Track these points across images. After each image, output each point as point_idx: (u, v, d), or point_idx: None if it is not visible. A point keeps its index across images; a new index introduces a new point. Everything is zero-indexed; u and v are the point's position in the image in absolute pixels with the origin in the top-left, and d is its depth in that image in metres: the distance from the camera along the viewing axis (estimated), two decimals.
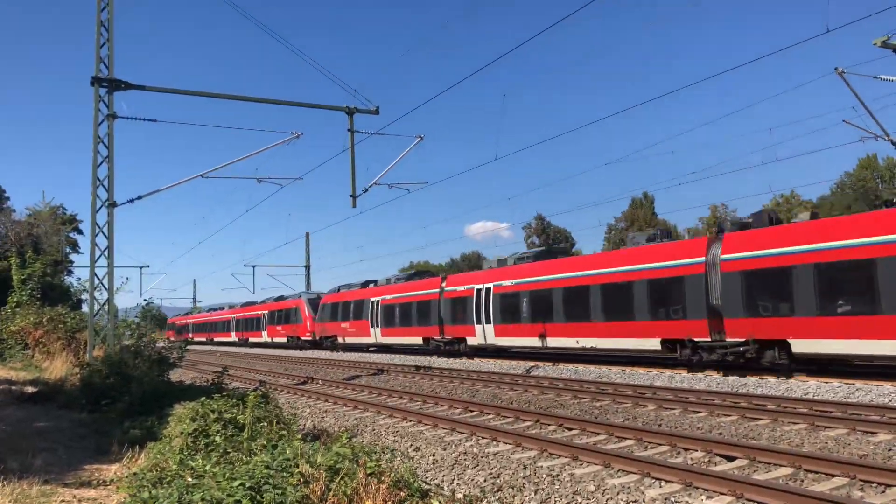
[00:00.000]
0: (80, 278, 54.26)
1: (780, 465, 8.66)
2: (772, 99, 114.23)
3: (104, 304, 21.11)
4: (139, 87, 20.75)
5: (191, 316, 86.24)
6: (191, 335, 75.88)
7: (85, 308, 22.29)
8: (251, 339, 60.51)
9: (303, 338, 49.23)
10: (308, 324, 48.31)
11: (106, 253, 20.61)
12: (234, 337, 65.62)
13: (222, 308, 74.14)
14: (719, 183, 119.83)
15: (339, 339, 43.56)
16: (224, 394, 10.39)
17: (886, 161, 60.72)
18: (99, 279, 21.00)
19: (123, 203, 21.54)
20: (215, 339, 71.53)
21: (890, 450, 9.57)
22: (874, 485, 7.68)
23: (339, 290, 46.93)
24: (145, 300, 49.49)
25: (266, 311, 57.18)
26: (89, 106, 20.26)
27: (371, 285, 42.48)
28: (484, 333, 30.00)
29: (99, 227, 20.43)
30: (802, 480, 8.15)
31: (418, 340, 35.46)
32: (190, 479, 7.24)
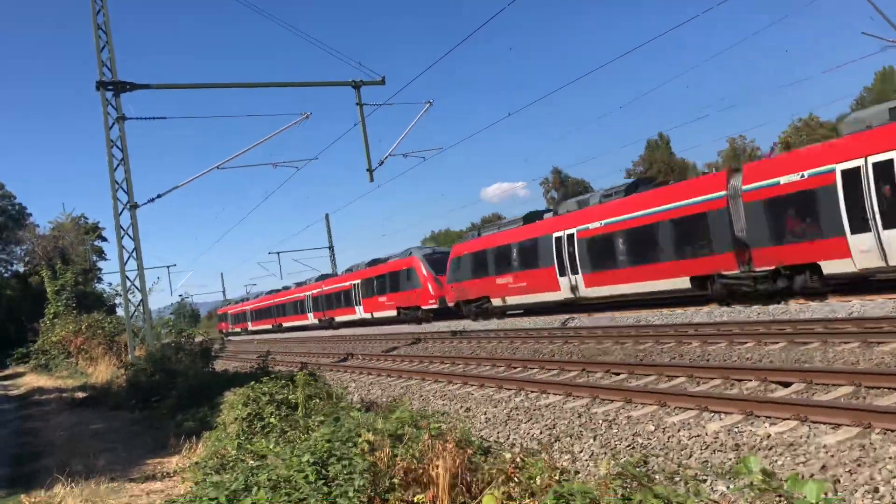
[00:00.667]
0: (110, 283, 55.20)
1: (839, 385, 8.50)
2: (783, 21, 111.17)
3: (138, 304, 21.34)
4: (144, 87, 20.70)
5: (248, 302, 73.30)
6: (250, 324, 68.75)
7: (120, 312, 22.61)
8: (339, 318, 48.70)
9: (424, 307, 36.68)
10: (430, 287, 35.98)
11: (134, 255, 20.76)
12: (311, 319, 53.90)
13: (287, 288, 62.59)
14: (736, 114, 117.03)
15: (497, 301, 30.93)
16: (272, 376, 10.45)
17: None
18: (130, 281, 21.22)
19: (144, 203, 21.65)
20: (285, 325, 60.64)
21: None
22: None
23: (474, 236, 34.72)
24: (180, 295, 49.86)
25: (359, 280, 44.61)
26: (98, 111, 20.26)
27: (548, 215, 30.11)
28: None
29: (123, 229, 20.56)
30: (864, 397, 8.01)
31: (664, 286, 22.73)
32: (252, 462, 7.30)
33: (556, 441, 8.47)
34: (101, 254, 54.61)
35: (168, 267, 71.74)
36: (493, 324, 28.94)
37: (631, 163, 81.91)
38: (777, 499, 2.36)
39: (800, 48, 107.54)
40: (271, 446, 6.89)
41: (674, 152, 79.15)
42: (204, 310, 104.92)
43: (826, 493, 2.33)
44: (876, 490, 5.38)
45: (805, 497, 2.30)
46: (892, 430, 6.40)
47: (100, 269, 53.71)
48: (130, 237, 20.65)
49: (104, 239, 53.72)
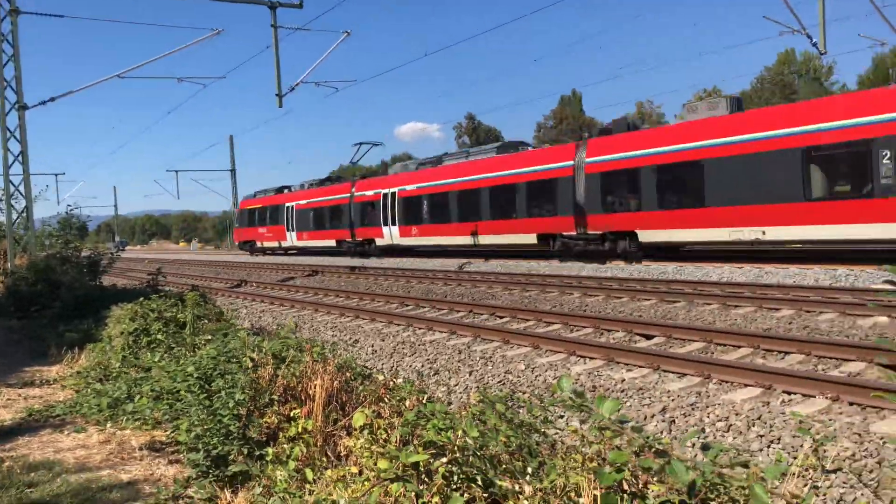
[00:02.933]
0: None
1: (693, 341, 9.41)
2: None
3: (22, 212, 20.36)
4: None
5: (300, 192, 41.54)
6: (293, 235, 40.18)
7: (1, 217, 21.45)
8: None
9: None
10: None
11: (20, 159, 19.70)
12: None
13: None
14: (646, 78, 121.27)
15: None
16: (162, 294, 10.45)
17: (803, 55, 62.40)
18: (14, 186, 20.17)
19: (35, 105, 20.46)
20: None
21: (790, 322, 10.50)
22: (775, 353, 8.49)
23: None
24: (68, 206, 47.36)
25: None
26: None
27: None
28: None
29: (10, 131, 19.41)
30: (713, 352, 8.93)
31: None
32: (135, 374, 7.44)
33: (435, 374, 9.01)
34: None
35: (56, 175, 67.73)
36: (394, 262, 29.37)
37: (542, 116, 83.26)
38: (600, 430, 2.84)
39: (709, 22, 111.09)
40: (156, 360, 7.04)
41: (584, 110, 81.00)
42: (94, 224, 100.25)
43: (619, 410, 2.82)
44: (702, 430, 6.18)
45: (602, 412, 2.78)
46: (727, 382, 7.26)
47: None
48: (17, 140, 19.54)
49: None
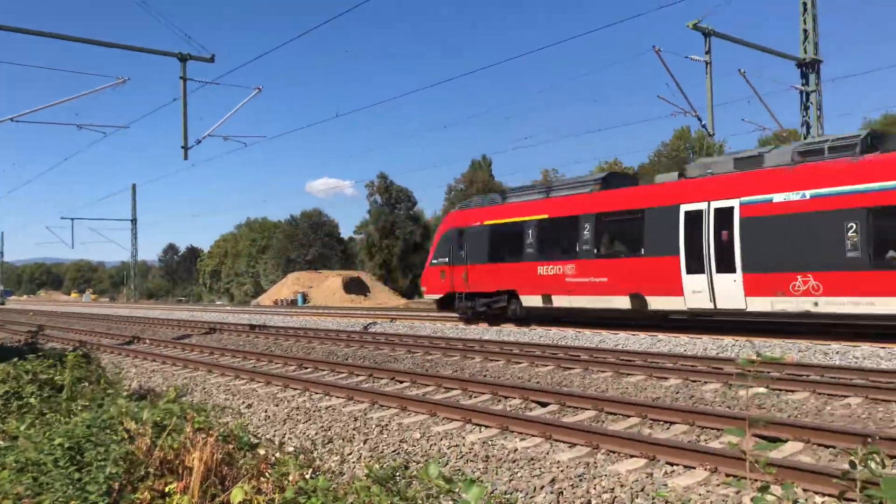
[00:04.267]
0: None
1: (586, 409, 9.62)
2: (600, 71, 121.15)
3: None
4: None
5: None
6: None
7: None
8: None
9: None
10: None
11: None
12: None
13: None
14: (551, 149, 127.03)
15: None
16: (40, 354, 9.83)
17: (697, 133, 66.82)
18: None
19: None
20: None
21: (677, 392, 10.92)
22: (661, 423, 8.78)
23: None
24: None
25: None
26: None
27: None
28: None
29: None
30: (603, 421, 9.14)
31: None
32: (1, 442, 6.90)
33: (329, 442, 8.80)
34: None
35: None
36: (296, 321, 28.79)
37: (453, 179, 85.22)
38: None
39: (610, 98, 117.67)
40: (23, 428, 6.57)
41: (493, 175, 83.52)
42: None
43: (487, 495, 2.85)
44: (589, 502, 6.27)
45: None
46: (614, 452, 7.43)
47: None
48: None
49: None
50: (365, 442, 8.69)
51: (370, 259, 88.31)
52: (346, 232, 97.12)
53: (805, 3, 32.38)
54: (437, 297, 25.49)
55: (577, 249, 20.68)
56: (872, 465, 2.62)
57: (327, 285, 66.21)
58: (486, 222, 23.92)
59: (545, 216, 21.92)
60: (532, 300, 21.98)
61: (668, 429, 8.54)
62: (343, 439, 8.86)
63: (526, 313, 22.50)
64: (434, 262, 25.50)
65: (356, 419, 9.74)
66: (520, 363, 14.29)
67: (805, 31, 32.36)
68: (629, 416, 9.11)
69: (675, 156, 66.63)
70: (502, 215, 23.55)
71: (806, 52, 32.44)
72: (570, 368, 13.35)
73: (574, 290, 20.64)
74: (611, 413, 9.35)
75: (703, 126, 27.31)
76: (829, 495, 5.72)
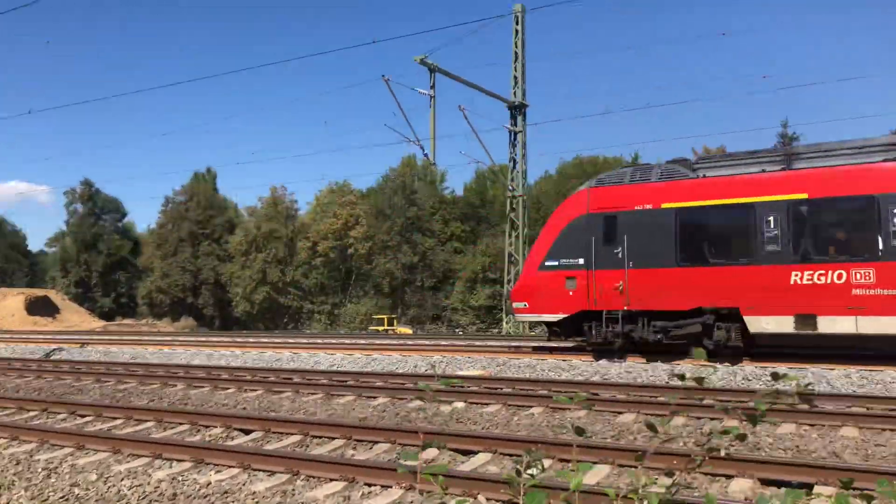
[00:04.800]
0: None
1: (292, 434, 9.25)
2: (331, 93, 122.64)
3: None
4: None
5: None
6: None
7: None
8: None
9: None
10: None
11: None
12: None
13: None
14: (280, 165, 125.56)
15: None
16: None
17: (423, 161, 70.68)
18: None
19: None
20: None
21: (384, 410, 11.02)
22: (365, 443, 8.72)
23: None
24: None
25: None
26: None
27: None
28: None
29: None
30: (308, 445, 8.84)
31: None
32: None
33: None
34: None
35: None
36: None
37: (172, 191, 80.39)
38: None
39: (341, 122, 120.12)
40: None
41: (217, 189, 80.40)
42: None
43: None
44: None
45: None
46: (314, 477, 7.16)
47: None
48: None
49: None
50: (27, 489, 7.38)
51: (64, 276, 78.99)
52: (36, 245, 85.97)
53: (516, 52, 35.96)
54: (555, 317, 17.03)
55: (882, 246, 14.10)
56: (534, 471, 2.70)
57: (4, 305, 57.49)
58: (666, 204, 16.10)
59: (803, 195, 14.85)
60: (771, 322, 14.81)
61: (370, 448, 8.50)
62: (1, 487, 7.44)
63: (751, 342, 15.55)
64: (548, 264, 17.08)
65: (18, 463, 8.28)
66: (227, 389, 13.45)
67: (515, 77, 35.89)
68: (334, 438, 8.93)
69: (401, 182, 69.64)
70: (701, 194, 15.90)
71: (515, 97, 35.94)
72: (280, 392, 12.86)
73: (870, 308, 14.03)
74: (317, 436, 9.09)
75: (426, 155, 28.81)
76: (506, 502, 6.03)
